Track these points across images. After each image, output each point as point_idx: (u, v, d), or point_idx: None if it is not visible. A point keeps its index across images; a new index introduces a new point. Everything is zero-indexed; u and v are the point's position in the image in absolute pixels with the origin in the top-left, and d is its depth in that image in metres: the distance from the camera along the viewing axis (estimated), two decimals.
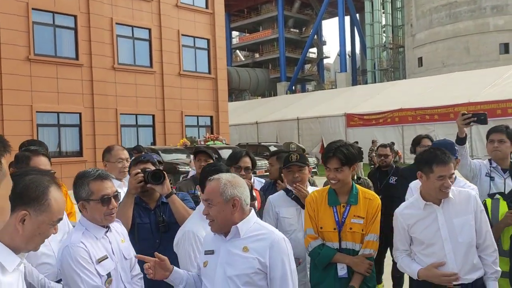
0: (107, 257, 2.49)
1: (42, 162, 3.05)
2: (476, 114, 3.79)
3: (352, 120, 28.11)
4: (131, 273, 2.70)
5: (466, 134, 3.89)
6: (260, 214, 3.61)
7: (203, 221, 2.70)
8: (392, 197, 5.04)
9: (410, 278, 3.78)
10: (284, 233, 3.22)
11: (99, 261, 2.44)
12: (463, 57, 42.25)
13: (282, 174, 3.90)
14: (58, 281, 2.86)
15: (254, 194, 3.35)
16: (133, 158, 3.40)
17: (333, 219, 2.99)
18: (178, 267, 2.80)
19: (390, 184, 5.42)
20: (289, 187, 3.59)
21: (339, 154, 2.92)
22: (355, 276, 2.93)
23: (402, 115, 26.01)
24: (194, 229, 2.67)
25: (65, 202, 1.68)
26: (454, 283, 2.79)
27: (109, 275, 2.46)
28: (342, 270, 2.95)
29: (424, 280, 2.90)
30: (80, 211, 2.57)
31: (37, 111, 17.18)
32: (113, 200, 2.52)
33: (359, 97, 31.08)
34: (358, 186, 3.12)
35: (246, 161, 3.72)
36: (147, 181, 3.02)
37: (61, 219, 1.60)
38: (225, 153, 16.11)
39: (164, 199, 3.14)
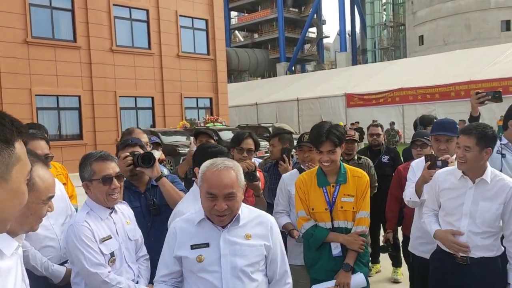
0: (111, 237, 2.55)
1: (39, 146, 3.03)
2: (490, 92, 3.76)
3: (352, 100, 28.04)
4: (137, 254, 2.75)
5: (479, 113, 3.90)
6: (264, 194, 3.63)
7: (196, 203, 2.70)
8: (385, 176, 5.19)
9: (411, 256, 3.83)
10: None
11: (103, 240, 2.50)
12: (464, 35, 41.91)
13: (284, 155, 3.94)
14: (62, 264, 2.90)
15: (257, 174, 3.36)
16: (121, 141, 3.37)
17: (324, 200, 3.02)
18: None
19: (382, 162, 5.48)
20: (301, 166, 3.70)
21: (333, 137, 2.94)
22: (349, 253, 2.99)
23: (402, 94, 25.93)
24: (184, 210, 2.64)
25: (54, 179, 1.66)
26: (461, 254, 2.89)
27: (112, 254, 2.53)
28: (336, 249, 3.01)
29: (425, 258, 3.00)
30: (86, 192, 2.62)
31: (36, 95, 17.13)
32: (115, 180, 2.56)
33: (359, 77, 30.94)
34: (345, 165, 3.15)
35: (249, 143, 3.70)
36: (136, 165, 3.01)
37: (51, 196, 1.59)
38: (225, 135, 16.12)
39: (154, 182, 3.13)
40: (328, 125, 3.03)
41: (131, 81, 19.99)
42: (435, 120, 5.13)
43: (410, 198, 3.49)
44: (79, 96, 18.34)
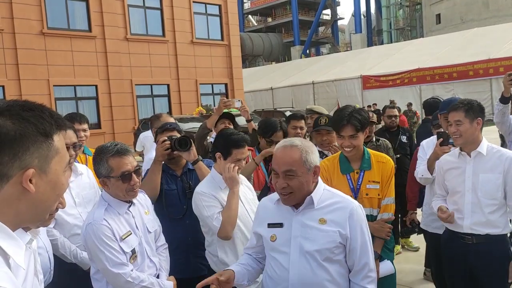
0: (131, 233, 2.47)
1: (68, 135, 3.05)
2: None
3: (368, 82, 27.74)
4: (156, 244, 2.71)
5: (511, 93, 3.99)
6: None
7: (213, 185, 2.77)
8: (406, 155, 5.50)
9: (425, 233, 3.88)
10: None
11: (123, 238, 2.42)
12: (482, 12, 40.93)
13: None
14: None
15: None
16: (160, 126, 3.44)
17: (348, 187, 2.92)
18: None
19: (403, 142, 5.67)
20: (318, 148, 3.70)
21: (354, 121, 2.85)
22: (376, 241, 2.89)
23: (419, 75, 25.55)
24: (204, 190, 2.73)
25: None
26: (467, 231, 2.93)
27: (133, 251, 2.46)
28: None
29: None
30: (103, 187, 2.53)
31: (54, 85, 17.34)
32: (134, 175, 2.44)
33: (375, 58, 30.56)
34: (370, 150, 3.07)
35: (279, 136, 3.69)
36: (174, 148, 3.05)
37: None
38: (242, 120, 16.10)
39: (190, 166, 3.19)
40: (351, 109, 2.95)
41: (146, 69, 20.07)
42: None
43: (422, 175, 3.56)
44: (96, 86, 18.52)
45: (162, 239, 2.78)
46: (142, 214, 2.61)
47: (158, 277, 2.60)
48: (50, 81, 17.18)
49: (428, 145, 3.70)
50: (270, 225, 2.19)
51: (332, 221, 2.10)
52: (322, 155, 3.65)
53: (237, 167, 2.80)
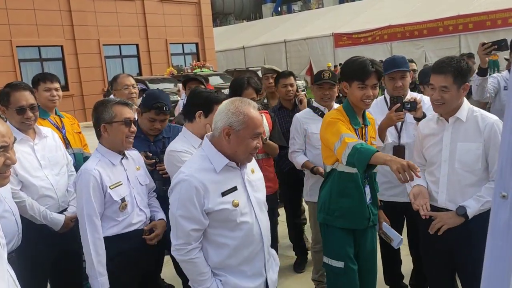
0: (121, 183, 2.62)
1: (24, 96, 2.97)
2: (496, 42, 3.76)
3: (341, 40, 27.64)
4: (148, 195, 2.90)
5: (488, 64, 3.90)
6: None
7: (186, 143, 2.76)
8: None
9: (380, 203, 3.74)
10: (313, 148, 3.50)
11: (113, 187, 2.56)
12: None
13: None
14: (61, 212, 2.97)
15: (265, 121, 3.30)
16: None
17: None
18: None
19: None
20: (315, 104, 3.70)
21: (379, 69, 2.71)
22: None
23: (390, 32, 25.57)
24: (172, 147, 2.75)
25: (5, 129, 1.64)
26: (442, 206, 2.64)
27: (123, 199, 2.60)
28: (367, 196, 2.77)
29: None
30: (101, 135, 2.63)
31: (17, 46, 16.68)
32: (133, 124, 2.65)
33: (347, 16, 30.38)
34: None
35: (250, 93, 3.54)
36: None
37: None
38: (214, 81, 15.98)
39: (165, 134, 3.27)
40: (365, 57, 2.73)
41: (114, 28, 19.47)
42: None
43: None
44: (62, 46, 17.91)
45: (153, 194, 2.97)
46: (134, 169, 2.76)
47: (154, 219, 2.82)
48: (12, 41, 16.50)
49: (374, 111, 3.18)
50: (227, 192, 2.07)
51: (255, 168, 2.30)
52: (318, 111, 3.61)
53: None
